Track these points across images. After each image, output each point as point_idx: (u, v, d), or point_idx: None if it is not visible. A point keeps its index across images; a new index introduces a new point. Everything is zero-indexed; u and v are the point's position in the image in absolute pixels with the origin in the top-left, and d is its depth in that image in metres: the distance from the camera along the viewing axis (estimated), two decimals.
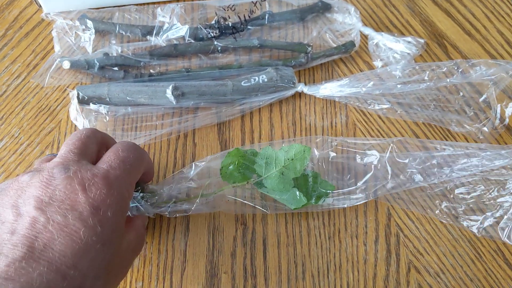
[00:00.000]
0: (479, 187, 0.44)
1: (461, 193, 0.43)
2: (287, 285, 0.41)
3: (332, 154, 0.45)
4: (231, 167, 0.41)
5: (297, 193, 0.41)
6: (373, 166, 0.44)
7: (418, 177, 0.43)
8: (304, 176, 0.42)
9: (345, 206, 0.43)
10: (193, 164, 0.42)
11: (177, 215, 0.41)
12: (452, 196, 0.43)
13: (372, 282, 0.41)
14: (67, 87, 0.50)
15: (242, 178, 0.41)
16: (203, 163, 0.43)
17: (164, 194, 0.40)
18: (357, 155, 0.45)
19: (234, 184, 0.41)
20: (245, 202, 0.43)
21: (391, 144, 0.44)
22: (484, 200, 0.43)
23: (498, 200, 0.43)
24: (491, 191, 0.43)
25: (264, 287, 0.41)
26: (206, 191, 0.41)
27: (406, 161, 0.43)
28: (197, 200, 0.40)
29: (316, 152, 0.44)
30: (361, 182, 0.43)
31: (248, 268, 0.42)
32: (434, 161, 0.43)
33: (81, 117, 0.46)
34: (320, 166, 0.45)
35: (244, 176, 0.41)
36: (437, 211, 0.43)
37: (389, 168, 0.43)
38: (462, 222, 0.43)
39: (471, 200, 0.43)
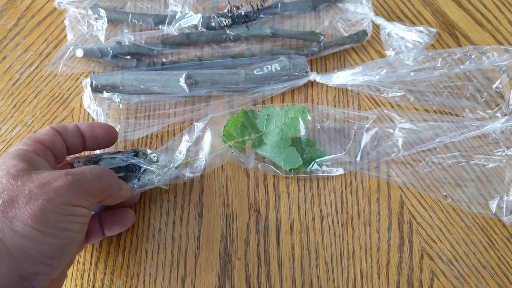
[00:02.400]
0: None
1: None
2: (300, 271, 0.41)
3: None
4: (231, 127, 0.43)
5: (294, 152, 0.42)
6: (359, 134, 0.45)
7: (401, 143, 0.44)
8: (297, 140, 0.44)
9: (336, 174, 0.44)
10: (195, 125, 0.43)
11: (189, 176, 0.42)
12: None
13: (385, 269, 0.41)
14: (80, 75, 0.50)
15: (242, 134, 0.43)
16: (205, 121, 0.43)
17: (164, 158, 0.41)
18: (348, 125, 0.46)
19: (235, 140, 0.42)
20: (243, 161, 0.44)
21: (377, 114, 0.46)
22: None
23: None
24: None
25: (277, 274, 0.41)
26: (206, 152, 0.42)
27: (391, 130, 0.45)
28: (202, 161, 0.42)
29: (309, 117, 0.44)
30: (347, 147, 0.45)
31: (261, 255, 0.42)
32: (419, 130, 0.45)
33: (94, 105, 0.46)
34: (314, 134, 0.46)
35: (243, 134, 0.43)
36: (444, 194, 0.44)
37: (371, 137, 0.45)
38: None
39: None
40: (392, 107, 0.48)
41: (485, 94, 0.48)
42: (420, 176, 0.44)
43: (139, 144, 0.46)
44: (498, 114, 0.46)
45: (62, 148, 0.37)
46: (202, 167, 0.42)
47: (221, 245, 0.42)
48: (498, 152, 0.44)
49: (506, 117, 0.44)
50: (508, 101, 0.46)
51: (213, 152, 0.42)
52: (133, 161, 0.39)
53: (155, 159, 0.40)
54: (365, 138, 0.45)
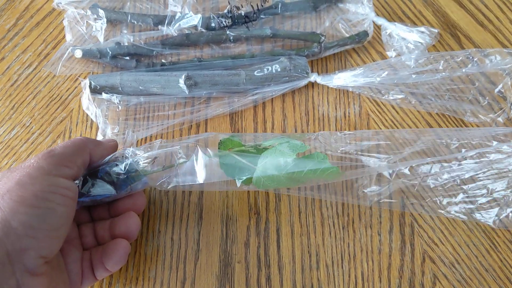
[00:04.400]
0: (491, 180, 0.43)
1: (474, 188, 0.43)
2: (301, 275, 0.41)
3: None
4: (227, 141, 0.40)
5: (297, 142, 0.38)
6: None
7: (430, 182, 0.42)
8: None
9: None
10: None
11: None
12: (464, 191, 0.43)
13: (387, 272, 0.41)
14: (79, 76, 0.49)
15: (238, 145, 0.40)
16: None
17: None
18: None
19: (230, 148, 0.39)
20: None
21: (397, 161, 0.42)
22: (498, 190, 0.43)
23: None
24: (503, 182, 0.43)
25: (278, 277, 0.41)
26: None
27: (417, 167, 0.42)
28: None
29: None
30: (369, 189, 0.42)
31: (261, 258, 0.41)
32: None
33: (93, 106, 0.46)
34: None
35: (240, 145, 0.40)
36: (449, 209, 0.43)
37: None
38: (476, 217, 0.42)
39: (483, 192, 0.43)
40: (394, 108, 0.48)
41: (488, 97, 0.47)
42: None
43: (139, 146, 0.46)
44: (500, 119, 0.46)
45: None
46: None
47: (221, 248, 0.42)
48: None
49: None
50: (511, 105, 0.46)
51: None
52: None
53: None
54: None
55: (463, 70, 0.46)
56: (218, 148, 0.40)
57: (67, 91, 0.49)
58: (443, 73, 0.46)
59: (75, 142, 0.36)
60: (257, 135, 0.45)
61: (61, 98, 0.48)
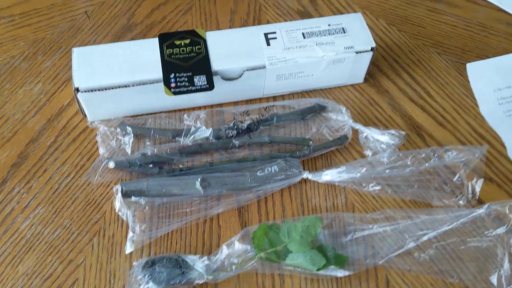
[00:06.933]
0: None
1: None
2: None
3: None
4: (260, 240, 0.51)
5: (317, 253, 0.49)
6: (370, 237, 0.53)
7: (409, 242, 0.52)
8: (321, 247, 0.51)
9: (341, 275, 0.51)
10: (235, 242, 0.52)
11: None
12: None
13: None
14: (110, 183, 0.59)
15: (271, 245, 0.51)
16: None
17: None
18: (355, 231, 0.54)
19: (265, 250, 0.50)
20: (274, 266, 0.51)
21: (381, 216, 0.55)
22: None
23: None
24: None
25: None
26: (243, 260, 0.51)
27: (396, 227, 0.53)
28: (235, 267, 0.50)
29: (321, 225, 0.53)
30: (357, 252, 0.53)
31: None
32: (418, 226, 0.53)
33: (124, 209, 0.54)
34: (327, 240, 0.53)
35: (272, 243, 0.51)
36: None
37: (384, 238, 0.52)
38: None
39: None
40: (374, 198, 0.58)
41: (450, 185, 0.57)
42: (426, 262, 0.52)
43: (162, 240, 0.54)
44: (461, 201, 0.56)
45: None
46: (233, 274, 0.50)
47: None
48: (487, 233, 0.53)
49: (487, 204, 0.53)
50: (468, 190, 0.56)
51: (244, 264, 0.50)
52: (186, 259, 0.50)
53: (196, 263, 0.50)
54: (373, 241, 0.53)
55: (427, 164, 0.57)
56: (253, 240, 0.51)
57: (100, 195, 0.58)
58: (412, 167, 0.57)
59: None
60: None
61: (95, 202, 0.57)
